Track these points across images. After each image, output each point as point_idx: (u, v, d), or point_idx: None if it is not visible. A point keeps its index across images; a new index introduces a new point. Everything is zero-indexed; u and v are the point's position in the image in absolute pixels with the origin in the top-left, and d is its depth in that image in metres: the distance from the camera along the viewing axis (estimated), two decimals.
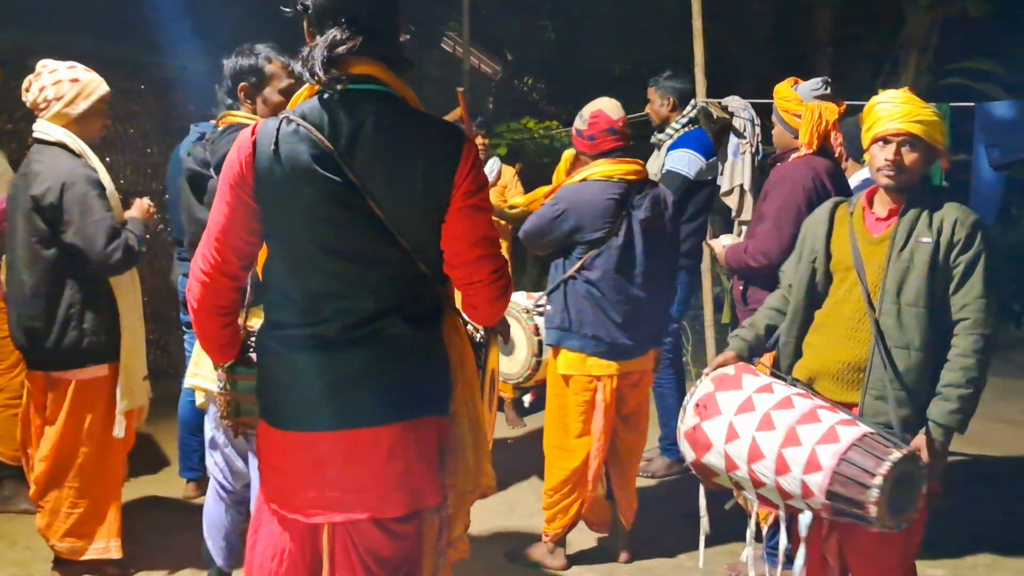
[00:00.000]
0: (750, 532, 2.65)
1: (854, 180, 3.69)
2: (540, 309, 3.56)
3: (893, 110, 2.48)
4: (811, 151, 3.18)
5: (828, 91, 3.21)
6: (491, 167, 5.07)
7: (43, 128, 3.12)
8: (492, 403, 2.26)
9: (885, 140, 2.49)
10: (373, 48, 1.82)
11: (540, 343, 3.51)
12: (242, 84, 2.83)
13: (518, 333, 3.54)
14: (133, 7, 5.63)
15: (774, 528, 3.27)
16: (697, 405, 2.56)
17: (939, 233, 2.45)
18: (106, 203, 3.05)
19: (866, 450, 2.25)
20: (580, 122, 3.42)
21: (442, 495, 1.95)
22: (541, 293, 3.66)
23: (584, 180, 3.36)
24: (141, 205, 3.24)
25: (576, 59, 10.00)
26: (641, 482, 4.45)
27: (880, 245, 2.53)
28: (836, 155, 3.24)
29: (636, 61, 9.00)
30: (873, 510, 2.20)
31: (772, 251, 3.13)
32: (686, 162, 4.39)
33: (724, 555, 3.64)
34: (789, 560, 3.32)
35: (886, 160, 2.48)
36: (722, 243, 3.56)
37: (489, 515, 4.05)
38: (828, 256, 2.62)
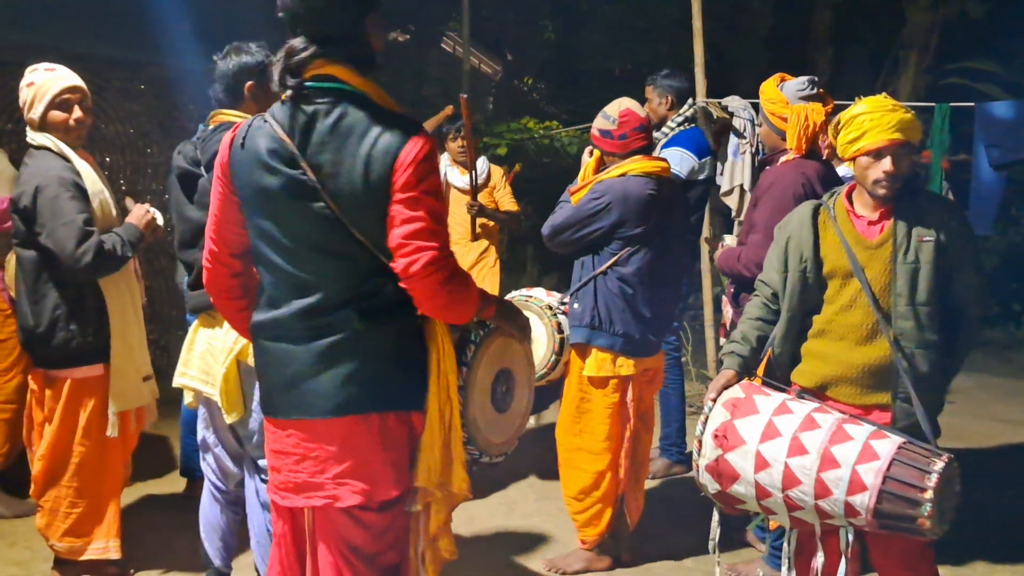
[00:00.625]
0: (785, 552, 2.61)
1: (843, 171, 3.65)
2: (564, 307, 3.49)
3: (880, 120, 2.43)
4: (799, 155, 3.13)
5: (815, 91, 3.13)
6: (480, 167, 5.04)
7: (30, 134, 3.17)
8: (511, 404, 2.16)
9: (879, 152, 2.45)
10: (335, 52, 1.90)
11: (562, 341, 3.42)
12: (249, 83, 2.82)
13: (539, 330, 3.44)
14: (133, 7, 5.63)
15: (780, 529, 3.27)
16: (716, 436, 2.49)
17: (937, 229, 2.46)
18: (80, 205, 3.03)
19: (906, 463, 2.25)
20: (608, 123, 3.34)
21: (402, 490, 1.95)
22: (562, 294, 3.57)
23: (624, 175, 3.29)
24: (137, 212, 3.20)
25: (576, 59, 10.00)
26: None
27: (880, 249, 2.50)
28: (825, 156, 3.19)
29: (636, 61, 9.01)
30: (927, 524, 2.21)
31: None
32: (678, 161, 4.39)
33: (724, 556, 3.63)
34: (792, 564, 3.33)
35: (884, 172, 2.45)
36: (724, 242, 3.55)
37: (489, 515, 4.05)
38: (819, 263, 2.59)
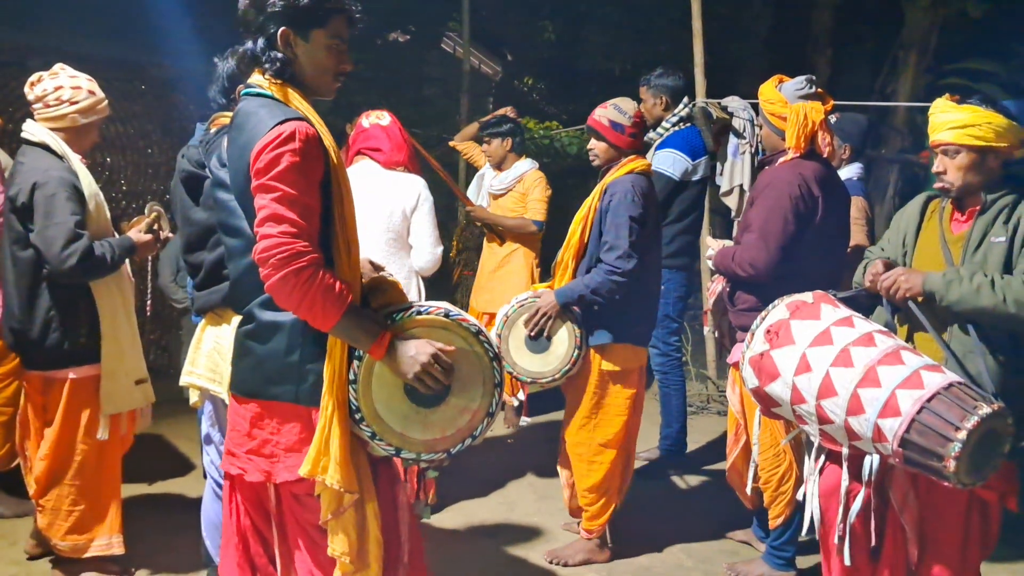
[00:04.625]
0: (808, 469, 2.55)
1: (843, 175, 3.65)
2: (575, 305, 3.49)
3: (935, 120, 2.46)
4: (798, 154, 3.13)
5: (813, 90, 3.12)
6: (516, 170, 5.00)
7: (29, 128, 3.18)
8: (447, 399, 2.03)
9: (935, 150, 2.50)
10: (260, 60, 2.02)
11: (583, 335, 3.42)
12: (240, 87, 2.83)
13: (559, 330, 3.42)
14: (133, 7, 5.64)
15: (782, 528, 3.28)
16: (768, 331, 2.45)
17: (1015, 229, 2.40)
18: (74, 207, 3.06)
19: (952, 400, 2.12)
20: (622, 117, 3.44)
21: (298, 477, 1.96)
22: None
23: (631, 172, 3.41)
24: (139, 234, 3.25)
25: (576, 59, 10.00)
26: (640, 482, 4.46)
27: (956, 246, 2.49)
28: (825, 155, 3.18)
29: (636, 61, 8.99)
30: (952, 464, 2.09)
31: (759, 262, 3.09)
32: (671, 163, 4.40)
33: (724, 555, 3.64)
34: (791, 564, 3.34)
35: (935, 171, 2.50)
36: (722, 243, 3.54)
37: (489, 514, 4.05)
38: (916, 248, 2.60)
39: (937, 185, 2.53)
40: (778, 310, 2.48)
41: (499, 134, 4.99)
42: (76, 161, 3.17)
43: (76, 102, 3.17)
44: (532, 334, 3.40)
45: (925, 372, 2.20)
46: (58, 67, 3.24)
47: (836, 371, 2.28)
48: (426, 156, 4.81)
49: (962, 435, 2.08)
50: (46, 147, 3.14)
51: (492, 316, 4.54)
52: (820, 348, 2.33)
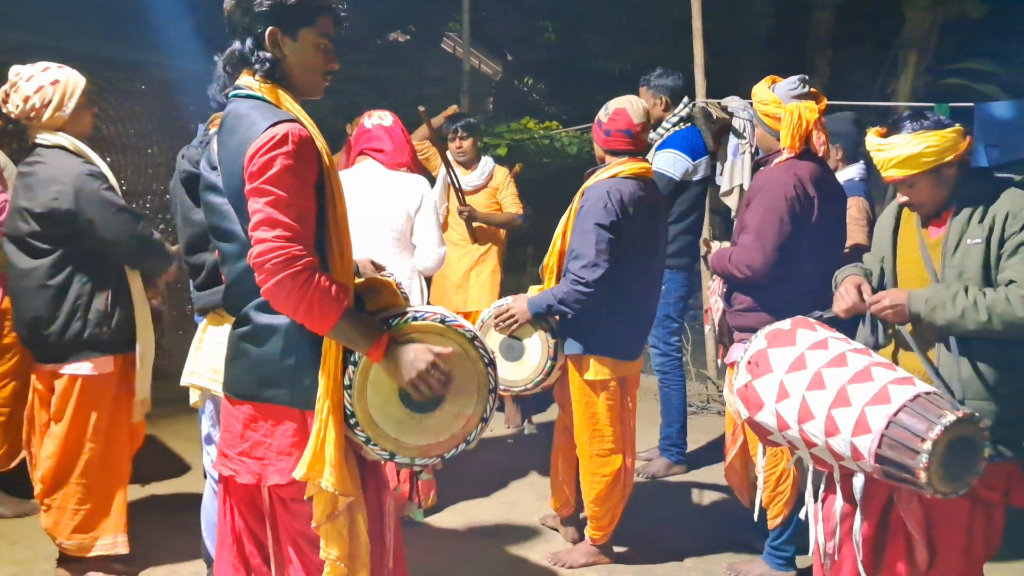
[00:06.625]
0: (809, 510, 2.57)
1: (841, 177, 3.65)
2: (554, 315, 3.47)
3: (878, 158, 2.47)
4: (793, 154, 3.12)
5: (806, 89, 3.11)
6: (483, 168, 5.05)
7: (40, 136, 3.16)
8: (442, 404, 2.03)
9: (892, 185, 2.52)
10: (248, 62, 2.01)
11: (556, 346, 3.40)
12: None
13: (531, 339, 3.43)
14: (133, 7, 5.64)
15: (781, 528, 3.28)
16: (749, 362, 2.50)
17: (990, 230, 2.39)
18: (118, 194, 3.15)
19: (918, 412, 2.14)
20: (603, 113, 3.43)
21: (292, 480, 1.95)
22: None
23: (614, 177, 3.32)
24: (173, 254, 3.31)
25: (576, 59, 10.00)
26: (640, 482, 4.46)
27: (935, 250, 2.49)
28: (820, 155, 3.17)
29: (636, 61, 8.99)
30: (923, 476, 2.11)
31: (756, 263, 3.08)
32: (671, 163, 4.40)
33: (724, 555, 3.64)
34: (791, 563, 3.34)
35: (901, 203, 2.53)
36: (719, 244, 3.55)
37: (490, 514, 4.06)
38: (895, 254, 2.60)
39: (915, 211, 2.54)
40: (758, 340, 2.53)
41: (475, 132, 5.04)
42: (95, 156, 3.19)
43: (49, 102, 3.10)
44: (498, 329, 3.39)
45: (893, 386, 2.22)
46: (12, 75, 3.14)
47: (811, 395, 2.32)
48: (441, 154, 4.83)
49: (927, 445, 2.10)
50: (62, 148, 3.13)
51: (468, 315, 4.59)
52: (795, 374, 2.37)
